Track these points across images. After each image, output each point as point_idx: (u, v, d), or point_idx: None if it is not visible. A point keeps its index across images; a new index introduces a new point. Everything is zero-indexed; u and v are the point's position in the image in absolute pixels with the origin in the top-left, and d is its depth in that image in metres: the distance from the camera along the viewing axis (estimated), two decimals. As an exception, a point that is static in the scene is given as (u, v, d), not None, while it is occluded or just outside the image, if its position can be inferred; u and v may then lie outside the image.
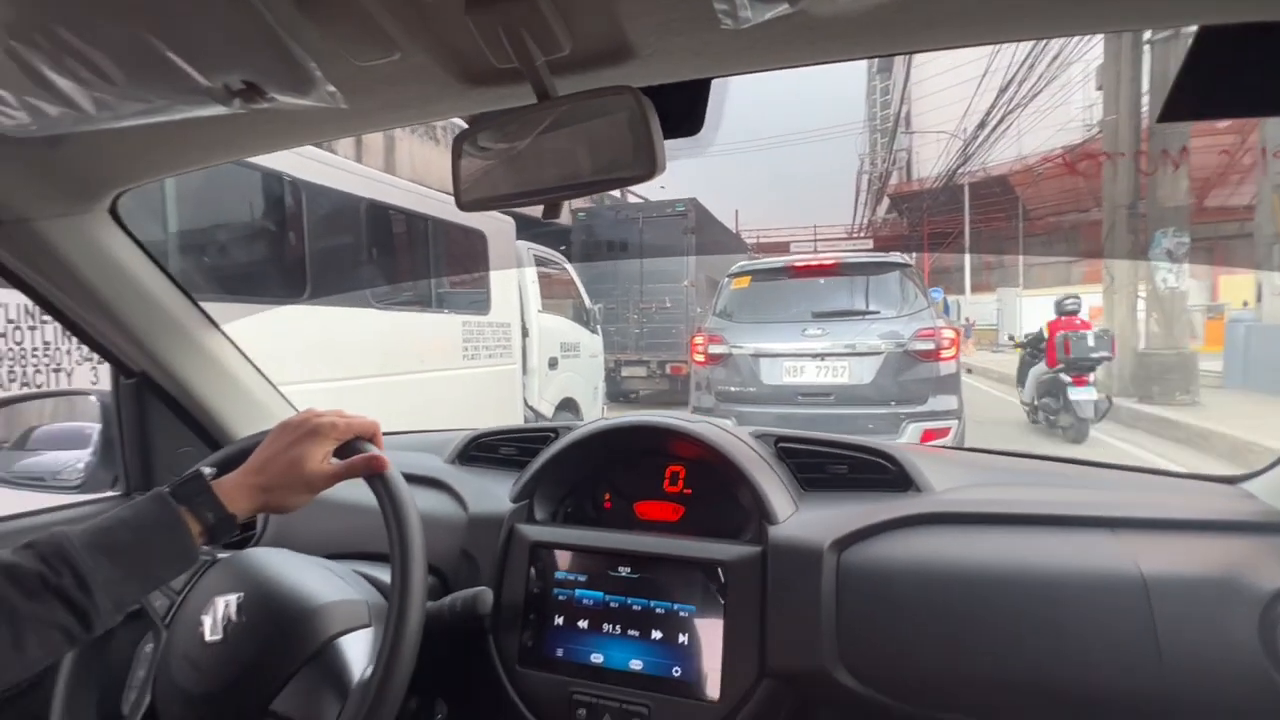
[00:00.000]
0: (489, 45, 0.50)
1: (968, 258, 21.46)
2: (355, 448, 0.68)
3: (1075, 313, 6.25)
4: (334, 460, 0.67)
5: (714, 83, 0.64)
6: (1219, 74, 0.45)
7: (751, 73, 0.58)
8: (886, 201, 29.52)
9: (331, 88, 0.55)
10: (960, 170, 18.95)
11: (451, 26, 0.49)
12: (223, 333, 1.01)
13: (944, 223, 24.14)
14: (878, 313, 4.40)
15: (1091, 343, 5.57)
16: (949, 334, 4.21)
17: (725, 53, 0.54)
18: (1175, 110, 0.48)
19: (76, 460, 1.20)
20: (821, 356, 4.30)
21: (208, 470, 0.63)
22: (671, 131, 0.63)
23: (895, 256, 4.79)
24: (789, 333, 4.42)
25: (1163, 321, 7.64)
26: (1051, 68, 12.42)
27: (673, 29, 0.50)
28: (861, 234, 31.11)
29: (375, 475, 0.66)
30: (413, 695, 0.78)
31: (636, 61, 0.54)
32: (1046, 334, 6.25)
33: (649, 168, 0.51)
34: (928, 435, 4.05)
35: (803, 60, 0.54)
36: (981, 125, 15.71)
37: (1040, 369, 6.29)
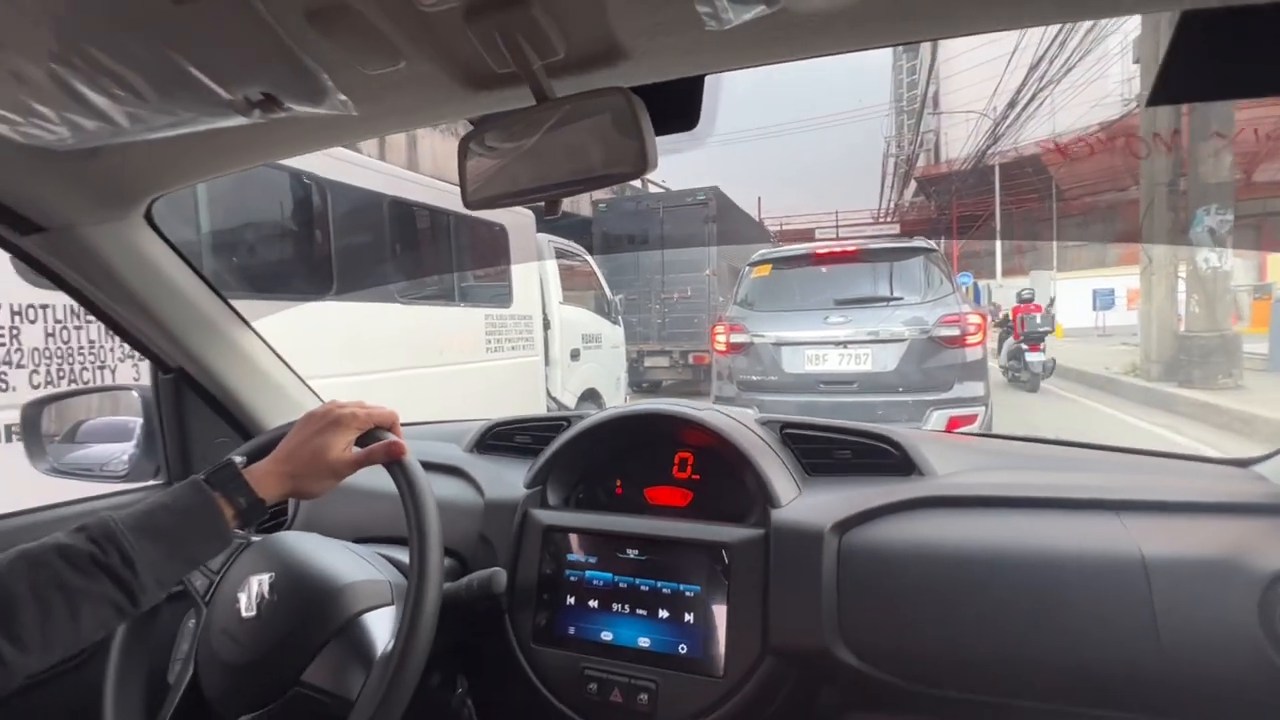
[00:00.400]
0: (488, 51, 0.52)
1: (998, 241, 20.90)
2: (375, 436, 0.71)
3: (1030, 301, 8.60)
4: (355, 449, 0.70)
5: (716, 76, 0.65)
6: (1203, 58, 0.45)
7: (743, 69, 0.59)
8: (914, 185, 28.88)
9: (343, 96, 0.58)
10: (991, 150, 18.44)
11: (452, 35, 0.52)
12: (252, 329, 1.06)
13: (974, 205, 23.52)
14: (901, 299, 4.35)
15: (1039, 321, 8.10)
16: (975, 319, 4.13)
17: (714, 51, 0.55)
18: (1162, 94, 0.49)
19: (122, 452, 1.28)
20: (844, 344, 4.27)
21: (239, 459, 0.68)
22: (668, 128, 0.65)
23: (919, 241, 4.71)
24: (811, 320, 4.39)
25: (1204, 303, 7.37)
26: (1086, 41, 11.97)
27: (661, 30, 0.52)
28: (888, 219, 30.51)
29: (394, 462, 0.70)
30: (435, 670, 0.82)
31: (629, 62, 0.56)
32: (1012, 316, 8.70)
33: (640, 165, 0.53)
34: (954, 422, 4.00)
35: (792, 55, 0.56)
36: (1012, 103, 15.25)
37: (1010, 342, 8.66)
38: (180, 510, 0.62)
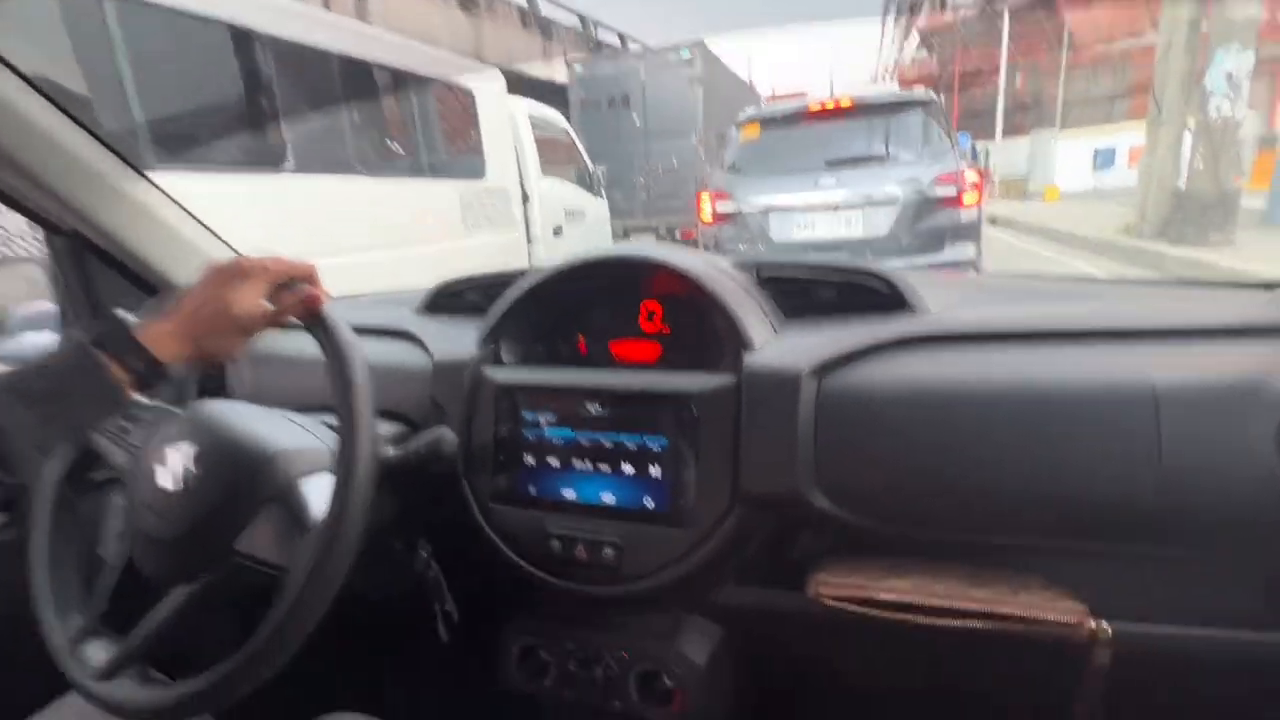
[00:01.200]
0: None
1: (1001, 97, 19.61)
2: (290, 289, 0.63)
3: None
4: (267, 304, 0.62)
5: None
6: None
7: None
8: (915, 38, 26.73)
9: None
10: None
11: None
12: (150, 181, 0.92)
13: (979, 58, 21.95)
14: (897, 158, 4.09)
15: None
16: (972, 177, 3.93)
17: None
18: None
19: (54, 340, 1.18)
20: (835, 208, 4.07)
21: (132, 318, 0.59)
22: None
23: (918, 93, 4.36)
24: (800, 184, 4.15)
25: (1208, 156, 7.05)
26: None
27: None
28: (887, 76, 28.57)
29: (312, 316, 0.62)
30: (396, 536, 0.79)
31: None
32: None
33: None
34: None
35: None
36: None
37: None
38: (58, 373, 0.56)
